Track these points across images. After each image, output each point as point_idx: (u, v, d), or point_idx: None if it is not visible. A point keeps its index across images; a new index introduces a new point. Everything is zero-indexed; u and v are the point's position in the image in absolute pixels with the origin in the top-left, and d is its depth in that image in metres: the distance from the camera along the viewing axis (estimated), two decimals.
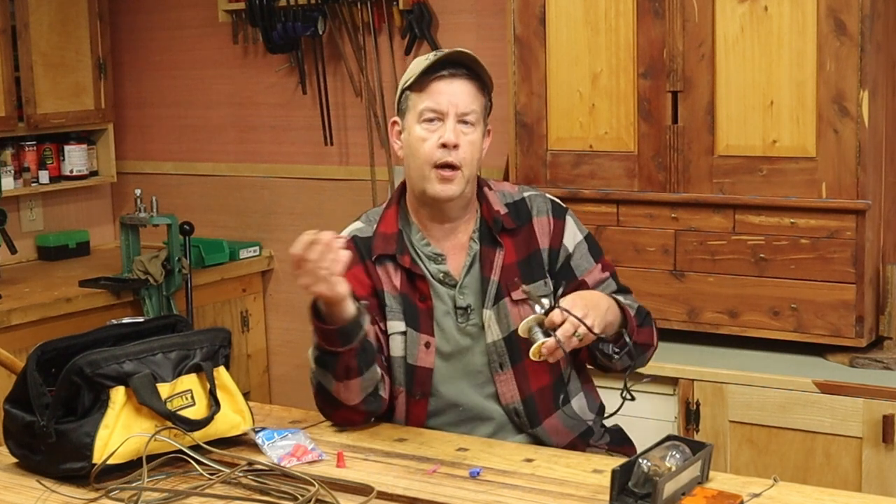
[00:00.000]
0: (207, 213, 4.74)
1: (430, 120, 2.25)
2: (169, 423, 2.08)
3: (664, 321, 3.22)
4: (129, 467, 2.04)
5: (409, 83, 2.28)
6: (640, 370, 2.46)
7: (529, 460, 2.10)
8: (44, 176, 4.56)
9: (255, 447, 2.16)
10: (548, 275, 2.33)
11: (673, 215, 3.20)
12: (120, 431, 2.04)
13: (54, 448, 2.04)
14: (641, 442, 2.16)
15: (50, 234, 4.71)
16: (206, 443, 2.11)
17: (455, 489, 1.97)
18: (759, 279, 3.09)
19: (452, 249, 2.33)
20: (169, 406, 2.10)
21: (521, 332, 2.11)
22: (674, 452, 1.90)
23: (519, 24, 3.37)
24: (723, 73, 3.08)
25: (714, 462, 2.00)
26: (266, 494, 1.96)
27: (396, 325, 2.29)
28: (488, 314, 2.28)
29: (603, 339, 2.17)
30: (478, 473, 2.03)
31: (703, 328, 3.19)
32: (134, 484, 1.99)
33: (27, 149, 4.50)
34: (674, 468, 1.86)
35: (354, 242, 2.33)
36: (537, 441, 2.29)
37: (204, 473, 2.04)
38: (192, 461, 2.06)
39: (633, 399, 2.15)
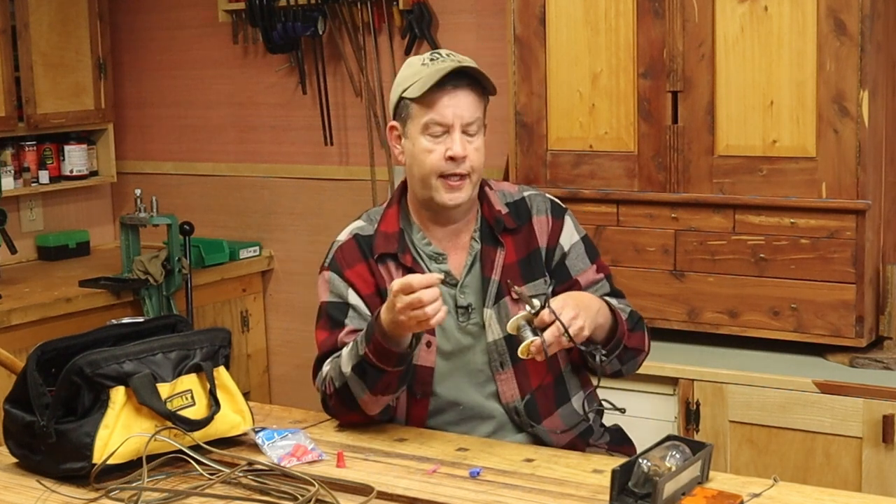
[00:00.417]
0: (207, 213, 4.74)
1: (436, 134, 2.25)
2: (169, 423, 2.08)
3: (664, 321, 3.22)
4: (129, 467, 2.04)
5: (408, 92, 2.26)
6: (639, 371, 2.46)
7: (529, 460, 2.10)
8: (44, 176, 4.56)
9: (255, 447, 2.16)
10: (547, 273, 2.33)
11: (673, 215, 3.20)
12: (120, 431, 2.04)
13: (54, 448, 2.04)
14: (641, 442, 2.16)
15: (50, 234, 4.71)
16: (206, 443, 2.12)
17: (455, 489, 1.97)
18: (759, 279, 3.09)
19: (453, 249, 2.34)
20: (169, 406, 2.10)
21: (510, 329, 2.11)
22: (674, 452, 1.90)
23: (519, 24, 3.37)
24: (723, 73, 3.08)
25: (714, 462, 2.00)
26: (266, 494, 1.96)
27: None
28: (489, 313, 2.29)
29: (592, 342, 2.17)
30: (478, 473, 2.03)
31: (703, 328, 3.19)
32: (134, 484, 1.99)
33: (27, 149, 4.50)
34: (674, 468, 1.86)
35: (357, 241, 2.34)
36: (537, 440, 2.29)
37: (204, 473, 2.04)
38: (192, 461, 2.06)
39: (622, 411, 2.16)
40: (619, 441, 2.41)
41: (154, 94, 4.89)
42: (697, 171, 3.15)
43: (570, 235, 2.37)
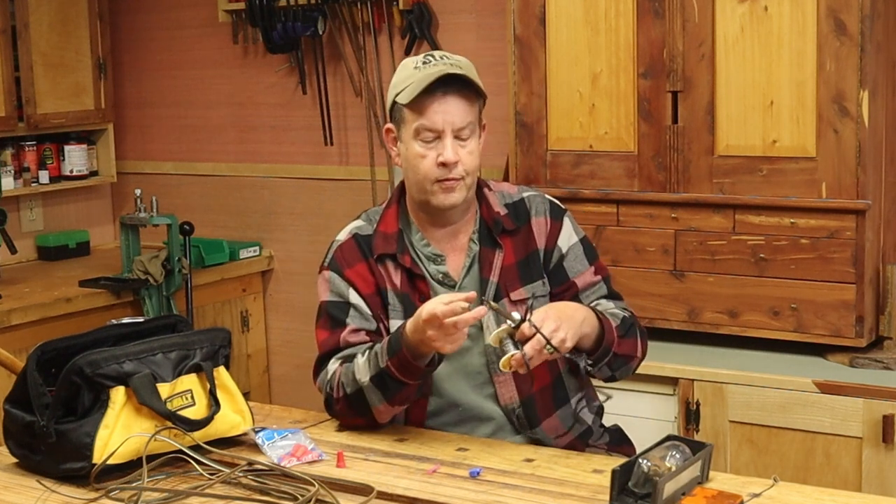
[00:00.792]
0: (207, 213, 4.74)
1: (427, 139, 2.24)
2: (169, 423, 2.08)
3: (664, 321, 3.22)
4: (129, 467, 2.04)
5: (400, 97, 2.26)
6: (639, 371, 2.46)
7: (529, 460, 2.10)
8: (44, 176, 4.56)
9: (255, 447, 2.16)
10: (545, 275, 2.33)
11: (673, 215, 3.20)
12: (120, 431, 2.04)
13: (54, 448, 2.04)
14: (641, 442, 2.16)
15: (50, 234, 4.71)
16: (206, 443, 2.11)
17: (455, 489, 1.97)
18: (759, 279, 3.09)
19: (452, 250, 2.34)
20: (169, 406, 2.10)
21: (492, 341, 2.10)
22: (674, 452, 1.90)
23: (519, 24, 3.37)
24: (723, 73, 3.08)
25: (714, 462, 2.00)
26: (266, 494, 1.96)
27: (398, 324, 2.28)
28: (487, 317, 2.28)
29: (578, 351, 2.17)
30: (478, 473, 2.03)
31: (703, 328, 3.19)
32: (134, 484, 1.99)
33: (27, 149, 4.50)
34: (674, 468, 1.86)
35: (356, 240, 2.34)
36: (537, 442, 2.28)
37: (204, 473, 2.04)
38: (192, 461, 2.06)
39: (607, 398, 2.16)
40: (618, 441, 2.41)
41: (154, 94, 4.89)
42: (697, 171, 3.15)
43: (568, 237, 2.36)
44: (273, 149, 4.62)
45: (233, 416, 2.20)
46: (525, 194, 2.38)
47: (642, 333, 2.35)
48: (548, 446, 2.25)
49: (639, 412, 3.09)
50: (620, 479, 1.85)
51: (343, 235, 2.38)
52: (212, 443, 2.13)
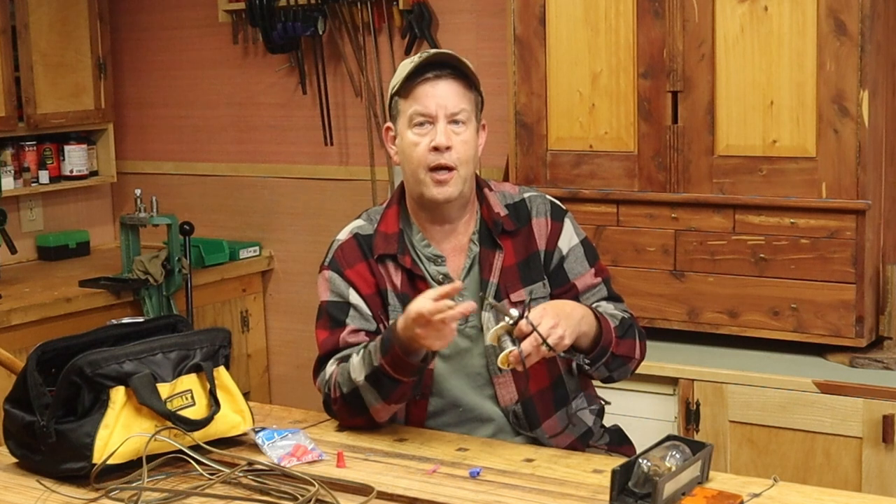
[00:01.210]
0: (207, 213, 4.74)
1: (421, 124, 2.25)
2: (169, 423, 2.08)
3: (664, 321, 3.22)
4: (129, 467, 2.04)
5: (395, 88, 2.28)
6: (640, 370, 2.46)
7: (529, 460, 2.10)
8: (44, 176, 4.56)
9: (255, 447, 2.16)
10: (546, 276, 2.33)
11: (673, 215, 3.20)
12: (120, 431, 2.04)
13: (54, 448, 2.04)
14: (641, 442, 2.16)
15: (50, 234, 4.71)
16: (206, 443, 2.12)
17: (455, 489, 1.97)
18: (759, 279, 3.09)
19: (452, 251, 2.33)
20: (169, 406, 2.10)
21: (490, 339, 2.11)
22: (674, 452, 1.90)
23: (519, 24, 3.37)
24: (723, 73, 3.08)
25: (714, 462, 2.00)
26: (266, 494, 1.96)
27: None
28: (487, 316, 2.28)
29: (575, 350, 2.17)
30: (478, 473, 2.03)
31: (703, 328, 3.19)
32: (134, 484, 1.99)
33: (27, 149, 4.50)
34: (674, 468, 1.86)
35: (357, 240, 2.34)
36: (537, 443, 2.28)
37: (204, 473, 2.04)
38: (192, 461, 2.06)
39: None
40: (618, 441, 2.41)
41: (154, 94, 4.89)
42: (697, 171, 3.15)
43: (569, 238, 2.36)
44: (273, 149, 4.62)
45: (233, 416, 2.20)
46: (526, 195, 2.38)
47: (641, 335, 2.35)
48: (548, 447, 2.25)
49: (639, 412, 3.09)
50: (620, 479, 1.85)
51: (343, 235, 2.38)
52: (212, 443, 2.13)
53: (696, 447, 1.93)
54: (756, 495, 1.90)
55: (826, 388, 2.88)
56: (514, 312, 2.07)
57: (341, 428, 2.30)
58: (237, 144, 4.71)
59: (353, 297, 2.30)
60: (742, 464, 2.99)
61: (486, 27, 4.02)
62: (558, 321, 2.07)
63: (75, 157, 4.64)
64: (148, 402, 2.07)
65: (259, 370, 4.66)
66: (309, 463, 2.09)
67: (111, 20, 4.73)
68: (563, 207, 2.40)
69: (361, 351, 2.21)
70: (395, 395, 2.18)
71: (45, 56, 4.42)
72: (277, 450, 2.12)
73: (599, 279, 2.36)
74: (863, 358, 2.99)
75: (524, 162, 3.40)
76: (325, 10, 4.25)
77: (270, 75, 4.55)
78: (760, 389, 2.96)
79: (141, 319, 2.49)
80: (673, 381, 3.08)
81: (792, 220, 3.04)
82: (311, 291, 2.85)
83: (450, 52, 2.29)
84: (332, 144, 4.42)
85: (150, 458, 2.05)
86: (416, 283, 2.29)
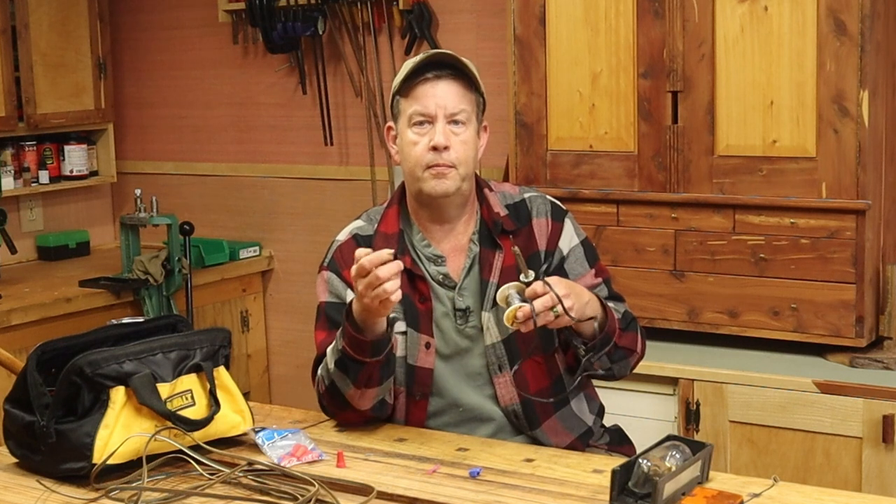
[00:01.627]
0: (207, 213, 4.74)
1: (420, 123, 2.25)
2: (169, 423, 2.08)
3: (664, 321, 3.22)
4: (129, 467, 2.04)
5: (396, 88, 2.29)
6: (639, 370, 2.46)
7: (529, 460, 2.10)
8: (44, 176, 4.56)
9: (255, 447, 2.16)
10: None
11: (673, 215, 3.20)
12: (120, 431, 2.04)
13: (54, 448, 2.04)
14: (641, 442, 2.16)
15: (50, 234, 4.71)
16: (206, 443, 2.12)
17: (455, 489, 1.97)
18: (759, 279, 3.09)
19: (452, 251, 2.33)
20: (169, 406, 2.10)
21: (499, 298, 2.12)
22: (674, 452, 1.90)
23: (519, 24, 3.37)
24: (723, 73, 3.08)
25: (714, 462, 2.00)
26: (266, 494, 1.96)
27: (397, 325, 2.28)
28: (487, 316, 2.28)
29: (578, 336, 2.17)
30: (478, 473, 2.03)
31: (703, 328, 3.19)
32: (134, 484, 1.99)
33: (27, 149, 4.50)
34: (674, 468, 1.86)
35: (356, 241, 2.33)
36: (537, 442, 2.28)
37: (204, 473, 2.04)
38: (192, 461, 2.06)
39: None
40: (618, 441, 2.41)
41: (154, 94, 4.90)
42: (697, 171, 3.15)
43: (569, 239, 2.36)
44: (273, 149, 4.62)
45: (233, 416, 2.20)
46: (526, 195, 2.38)
47: (642, 332, 2.36)
48: (548, 447, 2.25)
49: (639, 412, 3.09)
50: (620, 479, 1.85)
51: (343, 236, 2.38)
52: (212, 443, 2.13)
53: (696, 447, 1.93)
54: (756, 495, 1.90)
55: (826, 388, 2.88)
56: (531, 272, 2.10)
57: (341, 428, 2.30)
58: (237, 144, 4.71)
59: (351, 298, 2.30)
60: (742, 464, 2.99)
61: (486, 27, 4.02)
62: (569, 292, 2.10)
63: (75, 157, 4.64)
64: (148, 402, 2.07)
65: (259, 370, 4.66)
66: (309, 463, 2.09)
67: (111, 20, 4.73)
68: (564, 208, 2.41)
69: (335, 341, 2.22)
70: (361, 378, 2.16)
71: (45, 56, 4.42)
72: (277, 450, 2.12)
73: (600, 279, 2.36)
74: (863, 358, 2.99)
75: (524, 162, 3.41)
76: (324, 10, 4.25)
77: (270, 75, 4.55)
78: (760, 389, 2.96)
79: (141, 319, 2.49)
80: (673, 381, 3.08)
81: (792, 220, 3.04)
82: (310, 291, 2.85)
83: (452, 52, 2.29)
84: (332, 144, 4.42)
85: (150, 458, 2.05)
86: (416, 282, 2.29)
